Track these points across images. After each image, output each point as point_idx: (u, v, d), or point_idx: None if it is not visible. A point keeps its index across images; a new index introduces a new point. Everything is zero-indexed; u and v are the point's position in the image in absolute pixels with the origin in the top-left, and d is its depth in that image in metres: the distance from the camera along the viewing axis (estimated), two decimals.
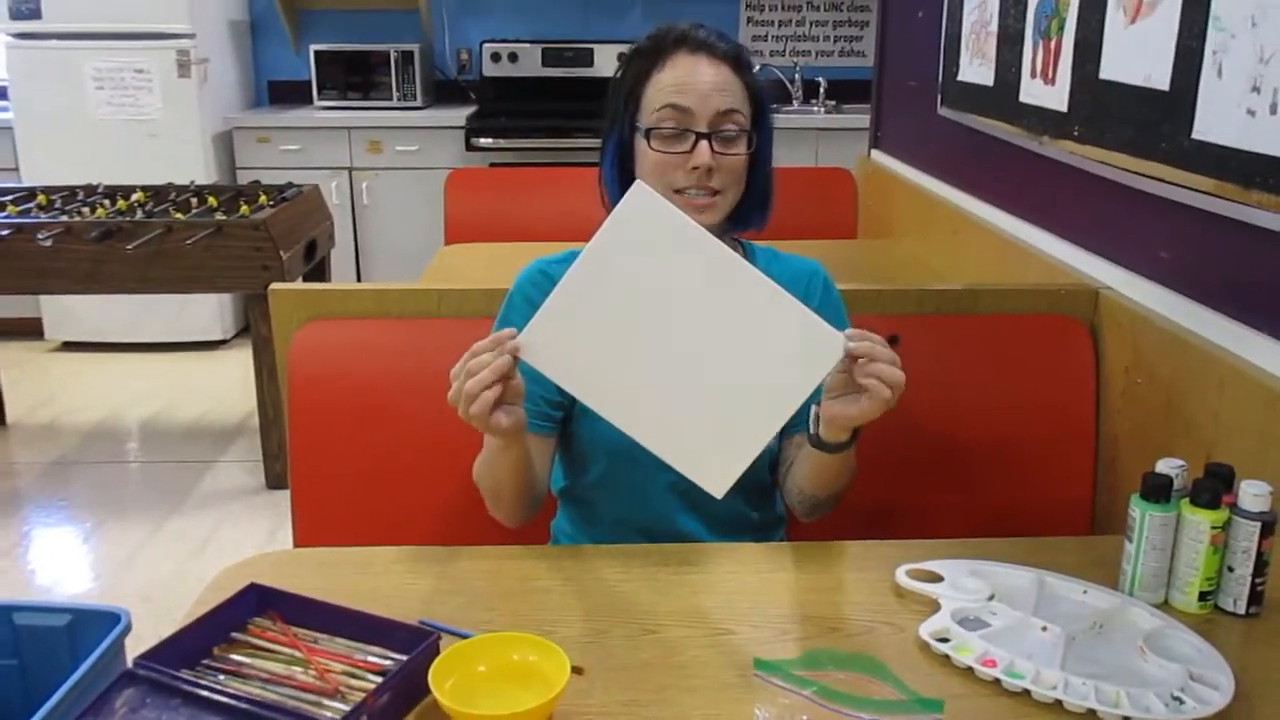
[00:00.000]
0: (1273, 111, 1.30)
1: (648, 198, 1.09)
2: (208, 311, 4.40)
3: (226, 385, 4.04)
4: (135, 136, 4.24)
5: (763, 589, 1.15)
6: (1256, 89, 1.33)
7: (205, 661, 0.98)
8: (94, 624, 1.82)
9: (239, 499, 3.18)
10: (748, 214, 1.37)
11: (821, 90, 4.75)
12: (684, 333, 1.08)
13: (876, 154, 3.23)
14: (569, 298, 1.10)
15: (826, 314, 1.39)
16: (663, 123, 1.28)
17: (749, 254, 1.42)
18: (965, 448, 1.66)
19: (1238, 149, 1.37)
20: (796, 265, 1.43)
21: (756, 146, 1.32)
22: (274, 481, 3.19)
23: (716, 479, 1.04)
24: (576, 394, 1.10)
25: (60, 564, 2.89)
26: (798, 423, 1.39)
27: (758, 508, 1.43)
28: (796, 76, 4.79)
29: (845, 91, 4.73)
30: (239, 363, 4.06)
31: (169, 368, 4.31)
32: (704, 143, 1.27)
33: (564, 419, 1.38)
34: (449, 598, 1.13)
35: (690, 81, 1.28)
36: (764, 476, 1.42)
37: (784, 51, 4.93)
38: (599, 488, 1.38)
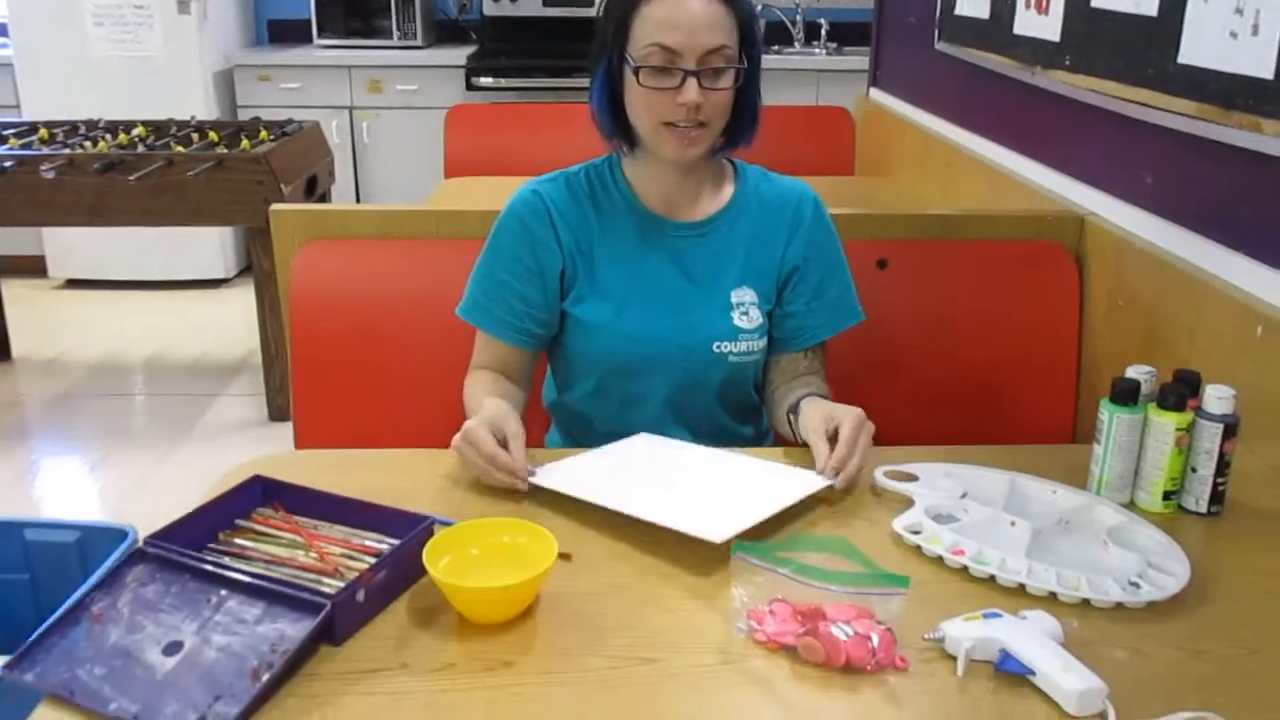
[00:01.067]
0: (1254, 33, 1.32)
1: (648, 438, 1.30)
2: (210, 250, 4.43)
3: (229, 322, 4.08)
4: (136, 73, 4.24)
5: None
6: (1239, 11, 1.35)
7: (211, 545, 1.03)
8: (102, 540, 1.88)
9: (243, 431, 3.24)
10: (736, 134, 1.38)
11: (823, 32, 4.72)
12: (683, 481, 1.20)
13: (875, 92, 3.24)
14: (576, 465, 1.22)
15: (818, 237, 1.43)
16: (650, 59, 1.27)
17: (739, 173, 1.45)
18: (953, 369, 1.70)
19: (1220, 71, 1.39)
20: (786, 185, 1.45)
21: (741, 83, 1.31)
22: (277, 414, 3.24)
23: (715, 530, 1.02)
24: (581, 496, 1.13)
25: (68, 492, 2.95)
26: (789, 343, 1.43)
27: (746, 423, 1.47)
28: (798, 18, 4.77)
29: (847, 33, 4.71)
30: (242, 301, 4.09)
31: (173, 305, 4.35)
32: (692, 80, 1.26)
33: (552, 335, 1.42)
34: (445, 494, 1.17)
35: (678, 18, 1.26)
36: (751, 395, 1.46)
37: None
38: (590, 400, 1.43)
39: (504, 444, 1.17)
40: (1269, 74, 1.29)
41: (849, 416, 1.20)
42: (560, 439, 1.51)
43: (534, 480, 1.16)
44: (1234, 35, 1.36)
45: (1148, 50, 1.57)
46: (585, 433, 1.46)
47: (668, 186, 1.39)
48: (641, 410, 1.40)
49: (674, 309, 1.37)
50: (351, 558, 1.01)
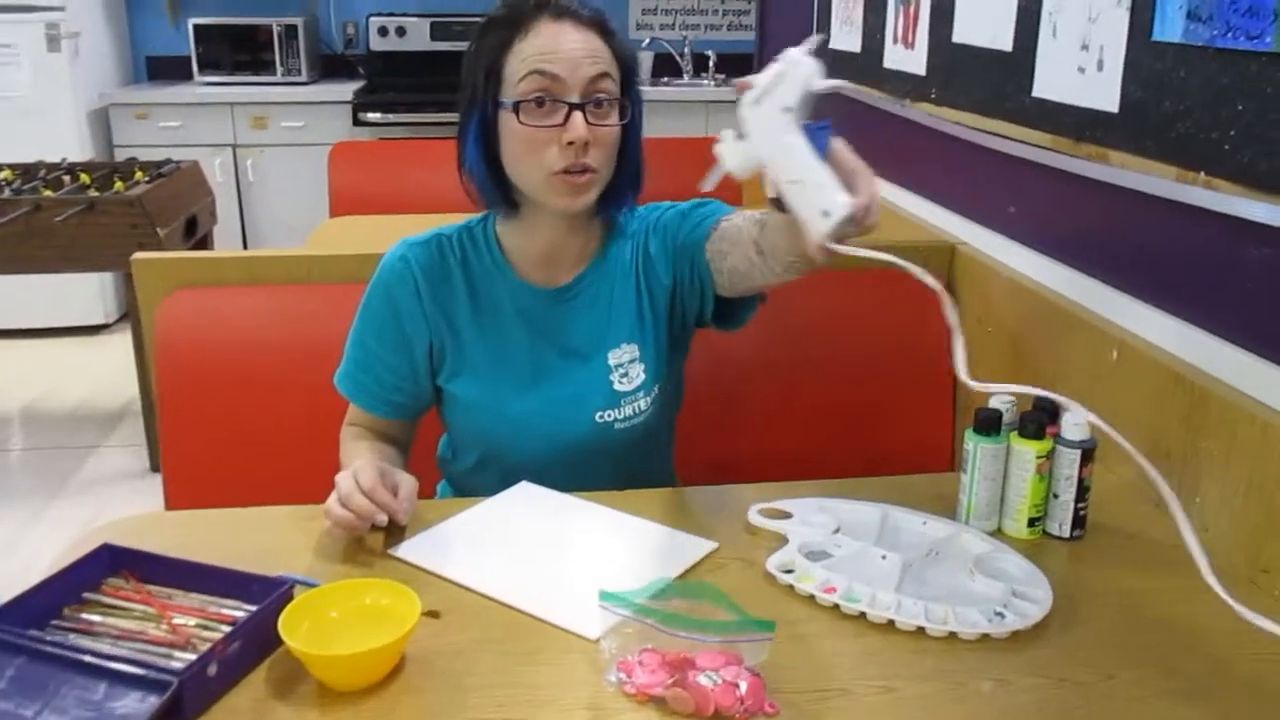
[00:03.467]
0: (1099, 68, 1.37)
1: (531, 489, 1.26)
2: (89, 295, 4.26)
3: (109, 369, 3.93)
4: (3, 114, 4.07)
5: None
6: (1085, 47, 1.40)
7: (54, 621, 0.98)
8: None
9: (123, 483, 3.11)
10: (621, 191, 1.30)
11: (711, 63, 4.79)
12: (561, 553, 1.15)
13: None
14: (447, 530, 1.18)
15: (663, 225, 1.33)
16: (530, 94, 1.18)
17: (615, 227, 1.36)
18: (830, 399, 1.72)
19: (1070, 104, 1.44)
20: (637, 220, 1.37)
21: (628, 120, 1.25)
22: (158, 464, 3.10)
23: (589, 622, 0.98)
24: (448, 576, 1.09)
25: None
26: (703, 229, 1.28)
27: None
28: (686, 50, 4.83)
29: (734, 64, 4.78)
30: (122, 346, 3.93)
31: (49, 353, 4.17)
32: (578, 114, 1.18)
33: (427, 406, 1.38)
34: (313, 554, 1.13)
35: (557, 48, 1.19)
36: (658, 465, 1.43)
37: (674, 25, 4.97)
38: (475, 474, 1.38)
39: (393, 491, 1.15)
40: (1114, 107, 1.34)
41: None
42: (451, 491, 1.46)
43: (397, 554, 1.12)
44: (1081, 70, 1.41)
45: (1005, 84, 1.62)
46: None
47: (548, 247, 1.31)
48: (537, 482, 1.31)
49: (549, 382, 1.32)
50: (207, 627, 0.97)
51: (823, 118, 0.93)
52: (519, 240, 1.33)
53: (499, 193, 1.28)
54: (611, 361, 1.32)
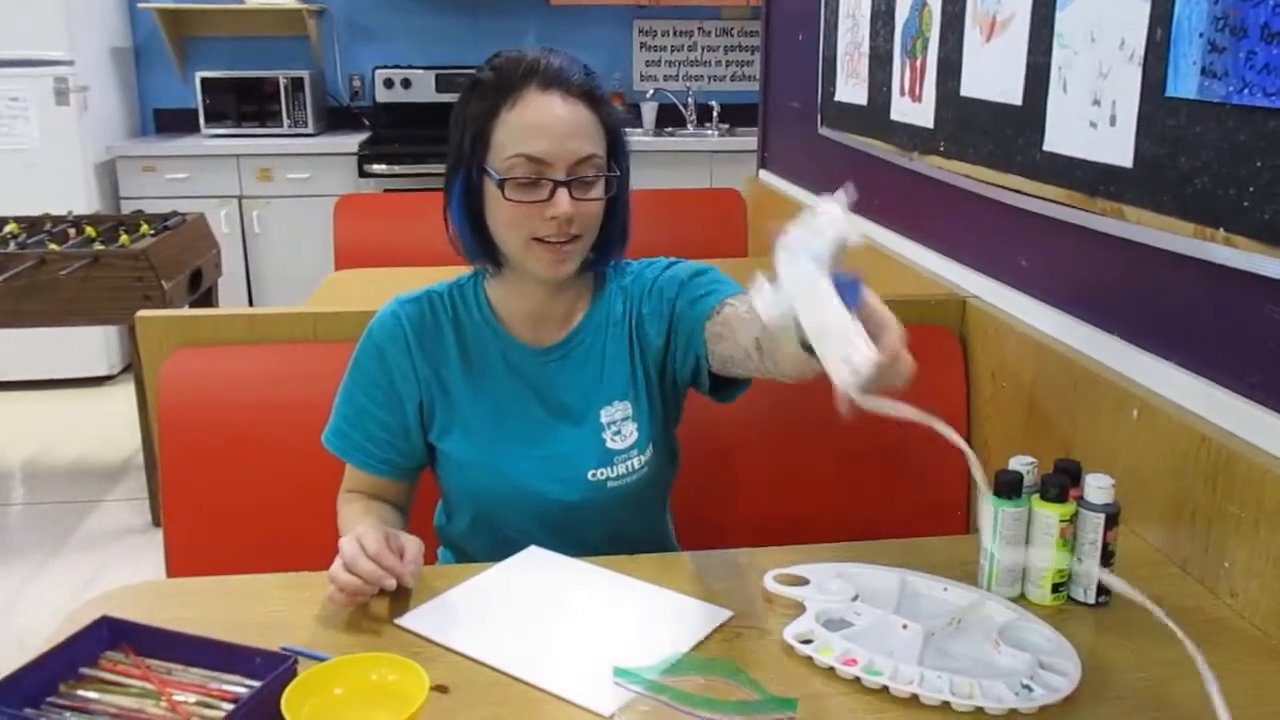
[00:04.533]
0: (1111, 123, 1.36)
1: (539, 554, 1.24)
2: (94, 346, 4.26)
3: (112, 422, 3.90)
4: (11, 167, 4.09)
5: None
6: (1097, 102, 1.39)
7: (50, 699, 0.95)
8: None
9: (124, 539, 3.08)
10: (605, 247, 1.30)
11: (715, 114, 4.82)
12: (572, 623, 1.11)
13: (764, 174, 3.30)
14: (453, 599, 1.15)
15: (661, 284, 1.31)
16: (515, 171, 1.18)
17: (601, 282, 1.35)
18: (841, 458, 1.69)
19: (1082, 159, 1.43)
20: (631, 276, 1.36)
21: (614, 193, 1.25)
22: (160, 520, 3.08)
23: (603, 698, 0.95)
24: (455, 647, 1.06)
25: None
26: (702, 327, 1.25)
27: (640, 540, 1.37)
28: (690, 101, 4.86)
29: (737, 115, 4.81)
30: (126, 399, 3.93)
31: (52, 406, 4.15)
32: (563, 191, 1.18)
33: (421, 465, 1.36)
34: (317, 624, 1.10)
35: (544, 125, 1.18)
36: (653, 523, 1.41)
37: (677, 76, 5.00)
38: (470, 535, 1.36)
39: (399, 554, 1.12)
40: (1128, 163, 1.33)
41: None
42: (453, 557, 1.44)
43: (404, 624, 1.09)
44: (1093, 125, 1.40)
45: (1015, 138, 1.61)
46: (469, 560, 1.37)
47: (534, 306, 1.31)
48: (524, 546, 1.28)
49: (540, 441, 1.30)
50: (207, 704, 0.94)
51: (853, 271, 0.92)
52: (505, 299, 1.32)
53: (483, 250, 1.27)
54: (604, 419, 1.31)
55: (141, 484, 3.24)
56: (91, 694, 0.95)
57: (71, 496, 3.35)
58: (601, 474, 1.29)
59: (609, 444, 1.30)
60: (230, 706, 0.92)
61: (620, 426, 1.31)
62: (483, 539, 1.34)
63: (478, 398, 1.31)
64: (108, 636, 1.02)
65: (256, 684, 0.94)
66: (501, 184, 1.20)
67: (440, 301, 1.33)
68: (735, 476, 1.67)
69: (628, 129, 1.31)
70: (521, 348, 1.32)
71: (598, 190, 1.23)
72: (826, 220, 0.90)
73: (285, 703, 0.88)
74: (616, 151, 1.26)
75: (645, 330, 1.33)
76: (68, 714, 0.92)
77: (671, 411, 1.38)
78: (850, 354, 0.86)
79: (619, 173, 1.26)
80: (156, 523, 3.10)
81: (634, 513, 1.36)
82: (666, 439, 1.38)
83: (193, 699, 0.94)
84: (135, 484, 3.36)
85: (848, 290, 0.88)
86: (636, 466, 1.31)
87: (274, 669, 0.93)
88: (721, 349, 1.21)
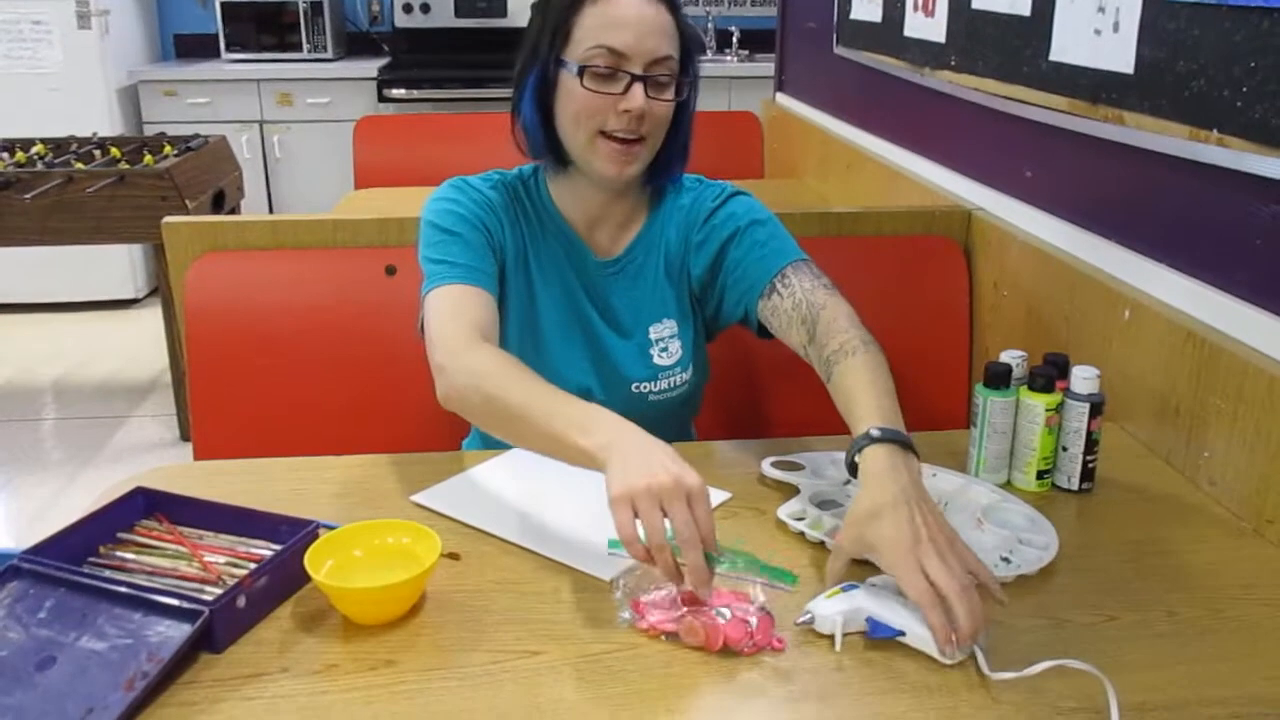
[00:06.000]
0: (1115, 30, 1.38)
1: None
2: (120, 270, 4.33)
3: (139, 343, 3.99)
4: (35, 90, 4.13)
5: None
6: (1102, 9, 1.41)
7: (91, 559, 1.02)
8: None
9: (153, 451, 3.17)
10: (667, 162, 1.32)
11: (734, 39, 4.79)
12: (577, 499, 1.13)
13: (781, 97, 3.30)
14: (467, 480, 1.19)
15: (718, 219, 1.34)
16: (595, 61, 1.20)
17: (659, 199, 1.38)
18: None
19: (1086, 67, 1.45)
20: (699, 192, 1.39)
21: (684, 98, 1.27)
22: (188, 434, 3.16)
23: (605, 565, 1.01)
24: (468, 521, 1.11)
25: None
26: (750, 302, 1.31)
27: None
28: (710, 26, 4.83)
29: (757, 40, 4.78)
30: (152, 320, 4.00)
31: (81, 328, 4.24)
32: (638, 86, 1.21)
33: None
34: (339, 501, 1.17)
35: (627, 19, 1.20)
36: (684, 434, 1.44)
37: (697, 1, 4.96)
38: None
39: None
40: (1129, 69, 1.35)
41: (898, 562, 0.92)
42: (481, 442, 1.46)
43: (418, 500, 1.15)
44: (1098, 32, 1.42)
45: (1023, 49, 1.62)
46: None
47: (593, 208, 1.33)
48: None
49: (594, 346, 1.34)
50: (236, 565, 1.00)
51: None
52: (566, 198, 1.34)
53: (550, 148, 1.29)
54: (652, 336, 1.35)
55: (169, 400, 3.33)
56: (128, 555, 1.02)
57: (101, 412, 3.45)
58: (645, 387, 1.34)
59: (655, 360, 1.34)
60: (257, 566, 0.99)
61: (667, 344, 1.35)
62: None
63: (547, 287, 1.33)
64: (143, 506, 1.09)
65: (280, 548, 1.01)
66: (581, 72, 1.21)
67: (510, 186, 1.34)
68: (748, 378, 1.71)
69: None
70: (583, 250, 1.35)
71: (669, 94, 1.25)
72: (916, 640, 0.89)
73: (308, 560, 0.94)
74: (688, 64, 1.28)
75: (693, 258, 1.36)
76: (107, 571, 0.99)
77: (711, 334, 1.44)
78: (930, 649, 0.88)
79: (688, 74, 1.27)
80: (184, 437, 3.19)
81: (666, 427, 1.37)
82: (702, 354, 1.42)
83: (222, 560, 1.01)
84: (163, 400, 3.45)
85: (880, 629, 0.90)
86: (678, 383, 1.36)
87: (297, 533, 1.00)
88: (774, 325, 1.28)
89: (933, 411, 1.73)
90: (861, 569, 0.97)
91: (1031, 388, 1.17)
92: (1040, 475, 1.18)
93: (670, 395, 1.36)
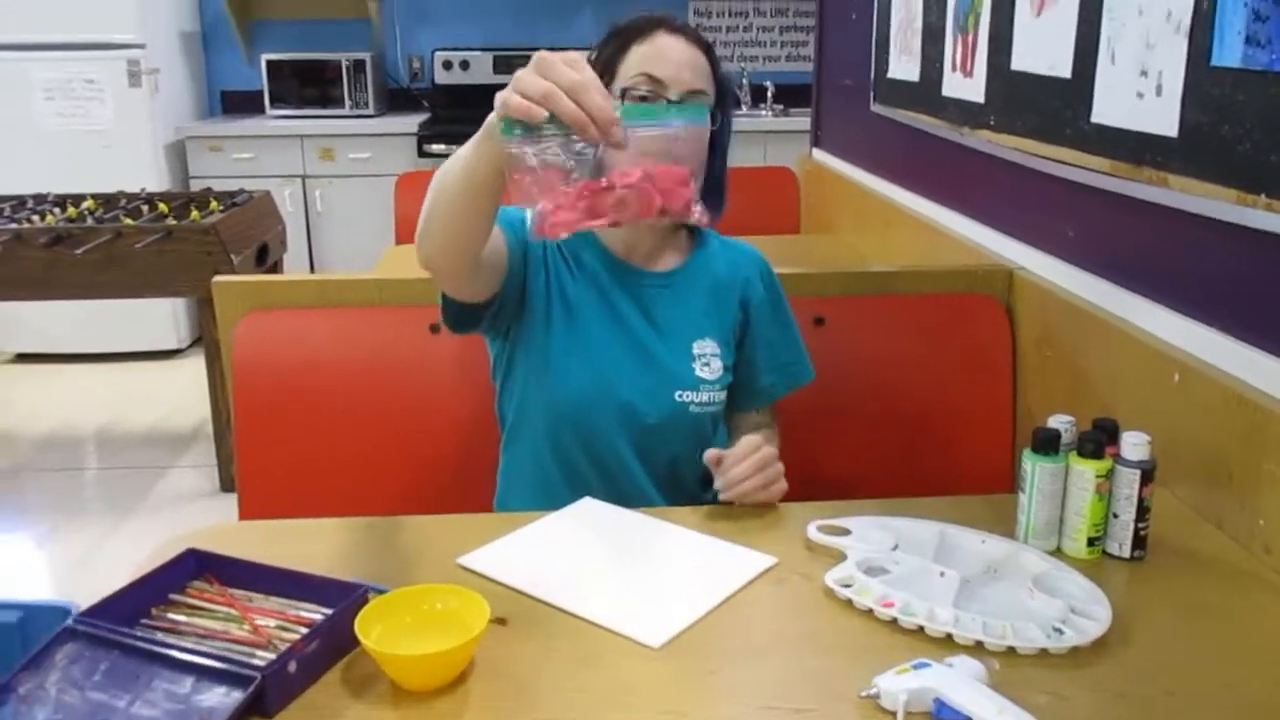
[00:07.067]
0: (1158, 93, 1.38)
1: (593, 504, 1.30)
2: (163, 320, 4.41)
3: (181, 392, 4.05)
4: (86, 147, 4.24)
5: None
6: (1144, 73, 1.41)
7: (143, 621, 1.03)
8: (45, 619, 1.83)
9: (194, 502, 3.20)
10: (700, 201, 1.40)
11: (769, 94, 4.84)
12: (623, 565, 1.17)
13: (817, 152, 3.32)
14: (512, 542, 1.21)
15: (768, 301, 1.49)
16: (636, 88, 1.34)
17: (697, 236, 1.49)
18: (890, 421, 1.73)
19: (1129, 130, 1.45)
20: (739, 249, 1.52)
21: (718, 129, 1.38)
22: (228, 485, 3.21)
23: (652, 631, 1.02)
24: (514, 585, 1.12)
25: (14, 568, 2.90)
26: (743, 400, 1.48)
27: (707, 483, 1.42)
28: (744, 81, 4.88)
29: (791, 95, 4.83)
30: (195, 370, 4.05)
31: (124, 377, 4.31)
32: None
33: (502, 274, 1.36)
34: (384, 563, 1.17)
35: (668, 55, 1.35)
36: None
37: (732, 57, 5.03)
38: (548, 445, 1.41)
39: None
40: (1173, 132, 1.35)
41: (744, 440, 1.28)
42: (511, 503, 1.48)
43: (464, 563, 1.16)
44: (1140, 95, 1.42)
45: (1063, 110, 1.63)
46: (541, 488, 1.43)
47: (633, 233, 1.42)
48: (601, 456, 1.39)
49: (640, 352, 1.40)
50: (286, 629, 1.01)
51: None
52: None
53: None
54: (695, 350, 1.42)
55: (210, 451, 3.37)
56: (180, 617, 1.03)
57: (143, 462, 3.49)
58: (688, 396, 1.40)
59: (698, 372, 1.41)
60: (307, 631, 0.99)
61: (709, 360, 1.43)
62: (561, 451, 1.40)
63: (586, 301, 1.41)
64: (193, 567, 1.10)
65: (330, 611, 1.02)
66: (622, 94, 1.34)
67: None
68: (789, 437, 1.71)
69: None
70: (624, 263, 1.43)
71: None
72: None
73: (358, 625, 0.95)
74: (723, 107, 1.40)
75: (736, 301, 1.47)
76: (160, 633, 1.00)
77: None
78: None
79: (721, 117, 1.38)
80: (224, 488, 3.22)
81: (697, 445, 1.42)
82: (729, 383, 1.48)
83: (272, 623, 1.02)
84: (204, 451, 3.49)
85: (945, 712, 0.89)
86: (715, 400, 1.43)
87: (346, 597, 1.01)
88: (732, 408, 1.49)
89: (975, 472, 1.72)
90: (938, 647, 0.97)
91: (1081, 453, 1.16)
92: (1091, 542, 1.16)
93: (708, 410, 1.43)
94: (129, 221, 3.19)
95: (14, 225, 3.13)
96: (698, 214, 0.99)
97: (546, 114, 0.94)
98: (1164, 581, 1.13)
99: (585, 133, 0.94)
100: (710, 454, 1.30)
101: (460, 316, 1.36)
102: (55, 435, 3.74)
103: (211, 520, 3.01)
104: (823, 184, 3.16)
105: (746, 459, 1.27)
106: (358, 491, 1.62)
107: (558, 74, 0.96)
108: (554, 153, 0.94)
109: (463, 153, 1.11)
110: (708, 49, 1.40)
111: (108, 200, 3.49)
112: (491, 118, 1.03)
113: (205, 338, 3.14)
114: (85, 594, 2.63)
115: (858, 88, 2.80)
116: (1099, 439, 1.15)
